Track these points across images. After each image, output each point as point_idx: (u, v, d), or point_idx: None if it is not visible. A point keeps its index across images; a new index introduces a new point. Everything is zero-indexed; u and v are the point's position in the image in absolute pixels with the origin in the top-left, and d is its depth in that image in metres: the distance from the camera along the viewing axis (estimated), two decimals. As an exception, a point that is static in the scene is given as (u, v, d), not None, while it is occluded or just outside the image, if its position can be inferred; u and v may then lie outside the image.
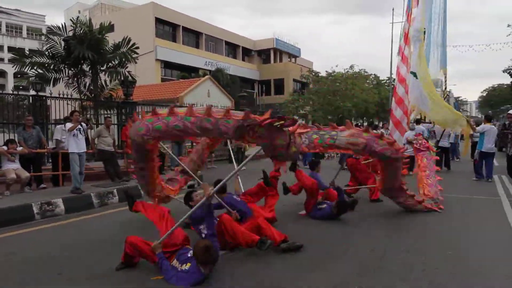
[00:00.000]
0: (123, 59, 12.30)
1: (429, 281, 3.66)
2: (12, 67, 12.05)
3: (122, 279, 3.81)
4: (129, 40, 12.32)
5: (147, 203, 4.79)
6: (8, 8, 59.72)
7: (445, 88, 19.32)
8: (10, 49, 44.70)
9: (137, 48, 12.22)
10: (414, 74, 11.39)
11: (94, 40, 11.49)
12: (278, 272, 3.93)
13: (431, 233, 5.35)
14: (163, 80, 31.61)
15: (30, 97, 10.27)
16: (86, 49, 11.07)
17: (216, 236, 4.11)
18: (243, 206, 5.35)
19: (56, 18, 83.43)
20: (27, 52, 12.21)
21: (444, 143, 12.87)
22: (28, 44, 46.66)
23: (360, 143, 5.37)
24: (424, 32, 11.60)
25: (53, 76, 12.09)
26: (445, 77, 17.83)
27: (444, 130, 13.00)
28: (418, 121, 12.40)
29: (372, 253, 4.46)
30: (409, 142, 9.80)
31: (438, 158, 9.55)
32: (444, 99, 14.39)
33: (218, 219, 4.61)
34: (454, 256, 4.35)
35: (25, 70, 12.08)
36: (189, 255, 3.81)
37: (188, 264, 3.70)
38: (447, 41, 13.51)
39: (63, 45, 11.80)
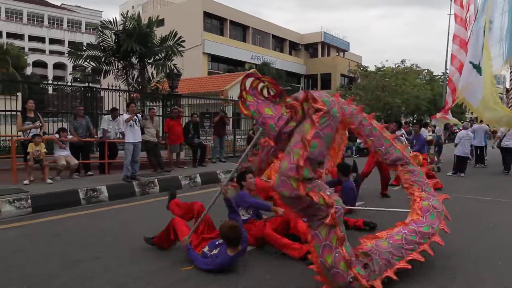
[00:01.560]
0: (170, 52, 12.59)
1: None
2: (68, 59, 12.74)
3: (154, 268, 3.88)
4: (176, 34, 12.58)
5: (178, 201, 4.81)
6: (69, 5, 63.59)
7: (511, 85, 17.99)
8: (70, 43, 47.57)
9: (183, 41, 12.45)
10: (474, 65, 10.71)
11: (142, 34, 11.86)
12: (303, 270, 3.80)
13: (478, 239, 4.95)
14: (209, 73, 32.13)
15: (82, 88, 10.81)
16: (134, 42, 11.45)
17: (242, 225, 4.05)
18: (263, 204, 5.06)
19: (112, 13, 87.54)
20: (85, 46, 12.86)
21: (508, 143, 11.73)
22: (86, 39, 49.35)
23: None
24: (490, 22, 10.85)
25: (104, 69, 12.64)
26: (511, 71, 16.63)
27: (510, 129, 12.07)
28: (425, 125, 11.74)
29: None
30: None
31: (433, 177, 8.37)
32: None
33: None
34: (505, 266, 3.99)
35: (80, 63, 12.72)
36: (217, 243, 3.91)
37: (217, 249, 3.81)
38: None
39: (113, 38, 12.29)
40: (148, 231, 5.10)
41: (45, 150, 7.76)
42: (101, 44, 12.22)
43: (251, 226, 4.55)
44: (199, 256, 3.90)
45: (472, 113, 11.74)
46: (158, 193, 8.15)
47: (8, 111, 10.04)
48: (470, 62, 10.87)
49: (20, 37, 55.10)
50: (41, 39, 58.36)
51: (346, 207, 6.00)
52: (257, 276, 3.65)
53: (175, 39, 12.47)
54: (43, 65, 54.80)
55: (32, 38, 57.40)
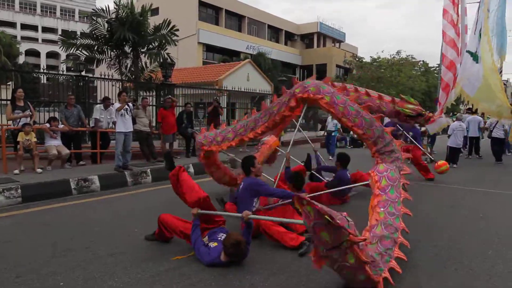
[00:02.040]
0: (163, 42, 12.44)
1: (461, 283, 3.39)
2: (60, 48, 12.55)
3: (144, 256, 3.87)
4: (169, 23, 12.42)
5: (187, 179, 4.23)
6: (62, -8, 62.60)
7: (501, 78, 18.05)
8: (64, 32, 47.00)
9: (177, 30, 12.30)
10: (471, 54, 10.68)
11: (135, 22, 11.69)
12: (293, 258, 3.81)
13: (468, 228, 4.98)
14: (204, 63, 31.91)
15: (74, 77, 10.67)
16: (127, 31, 11.29)
17: (249, 243, 3.80)
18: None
19: (106, 1, 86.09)
20: (78, 36, 12.65)
21: (499, 133, 12.17)
22: (79, 27, 48.75)
23: None
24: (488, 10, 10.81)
25: (96, 57, 12.47)
26: (501, 66, 16.69)
27: (498, 120, 12.24)
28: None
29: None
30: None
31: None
32: None
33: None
34: (494, 255, 4.01)
35: (72, 52, 12.54)
36: (219, 237, 3.82)
37: (215, 244, 3.73)
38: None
39: (106, 27, 12.11)
40: (140, 221, 5.14)
41: (35, 139, 7.68)
42: (93, 32, 12.04)
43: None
44: (199, 240, 3.81)
45: (468, 102, 11.70)
46: (151, 183, 8.13)
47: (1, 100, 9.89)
48: (468, 51, 10.83)
49: (12, 25, 54.35)
50: (34, 28, 57.61)
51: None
52: (248, 265, 3.65)
53: (169, 28, 12.31)
54: (36, 54, 54.14)
55: (24, 27, 56.64)
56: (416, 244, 4.28)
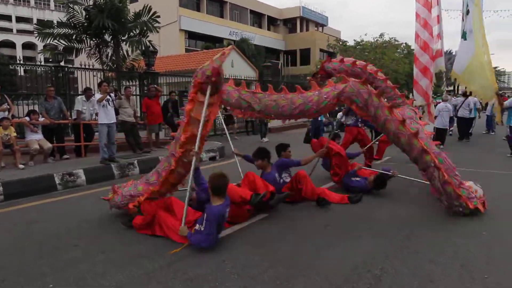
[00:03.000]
0: (144, 29, 12.05)
1: (460, 264, 3.36)
2: (36, 38, 12.02)
3: (137, 252, 3.73)
4: (150, 9, 12.02)
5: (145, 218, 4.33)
6: (35, -21, 60.22)
7: None
8: (39, 21, 45.41)
9: (158, 17, 11.91)
10: (463, 34, 10.59)
11: (114, 9, 11.25)
12: (293, 249, 3.74)
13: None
14: (187, 50, 31.33)
15: (53, 68, 10.26)
16: (106, 18, 10.86)
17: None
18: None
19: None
20: (55, 25, 12.09)
21: (464, 113, 12.50)
22: (56, 16, 47.12)
23: None
24: None
25: (74, 46, 12.01)
26: None
27: (466, 99, 12.45)
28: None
29: (399, 232, 4.17)
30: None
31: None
32: None
33: None
34: (489, 237, 4.01)
35: (49, 42, 12.04)
36: (204, 216, 3.83)
37: (204, 224, 3.75)
38: (483, 5, 12.35)
39: (84, 14, 11.65)
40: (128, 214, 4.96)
41: (15, 134, 7.38)
42: (70, 20, 11.56)
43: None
44: (196, 236, 3.77)
45: (455, 80, 11.59)
46: (138, 175, 7.91)
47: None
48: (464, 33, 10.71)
49: (-16, 16, 52.25)
50: (8, 17, 55.43)
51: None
52: (245, 258, 3.55)
53: (150, 15, 11.91)
54: (11, 45, 52.22)
55: (-2, 17, 54.48)
56: (413, 228, 4.25)
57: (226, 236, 4.13)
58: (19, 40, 53.31)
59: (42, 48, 13.08)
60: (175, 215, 4.13)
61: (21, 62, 10.92)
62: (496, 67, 57.35)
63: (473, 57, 9.88)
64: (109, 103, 7.73)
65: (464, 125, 12.73)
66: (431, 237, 4.03)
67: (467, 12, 10.37)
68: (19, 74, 15.95)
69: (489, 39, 10.88)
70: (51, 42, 11.78)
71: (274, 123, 16.35)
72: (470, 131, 13.54)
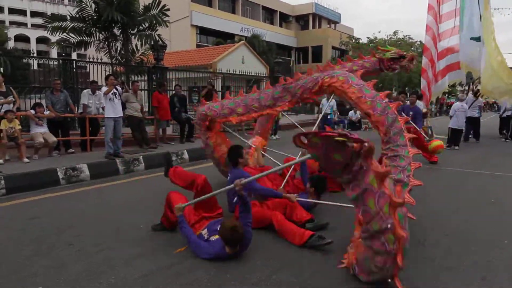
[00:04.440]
0: (154, 22, 11.88)
1: (481, 277, 3.10)
2: (46, 32, 11.96)
3: (134, 252, 3.55)
4: (160, 2, 11.84)
5: (181, 170, 4.28)
6: (51, -25, 60.71)
7: None
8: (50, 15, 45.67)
9: (168, 10, 11.73)
10: (473, 38, 10.35)
11: (124, 1, 11.10)
12: (297, 254, 3.51)
13: (479, 216, 4.69)
14: (198, 46, 31.18)
15: (60, 61, 10.17)
16: (115, 11, 10.72)
17: (250, 223, 3.51)
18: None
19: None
20: (68, 17, 11.96)
21: (474, 112, 12.20)
22: (69, 11, 47.40)
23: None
24: None
25: (83, 40, 11.91)
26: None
27: (476, 99, 12.18)
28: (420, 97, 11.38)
29: (412, 238, 3.91)
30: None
31: None
32: None
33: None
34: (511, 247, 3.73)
35: (59, 35, 11.95)
36: (218, 228, 3.48)
37: (216, 237, 3.43)
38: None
39: (93, 7, 11.53)
40: (131, 212, 4.82)
41: (19, 127, 7.28)
42: (80, 13, 11.45)
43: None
44: (194, 235, 3.53)
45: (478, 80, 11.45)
46: (143, 171, 7.78)
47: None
48: (472, 39, 10.46)
49: (-1, 9, 52.86)
50: (22, 12, 56.00)
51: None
52: (248, 262, 3.34)
53: (159, 8, 11.74)
54: (26, 39, 52.72)
55: (12, 11, 55.02)
56: (428, 233, 4.00)
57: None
58: (33, 34, 53.79)
59: (55, 42, 13.01)
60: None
61: (35, 56, 10.82)
62: (512, 67, 56.25)
63: (487, 60, 9.68)
64: (115, 97, 7.58)
65: (474, 125, 12.38)
66: (447, 244, 3.77)
67: (480, 17, 10.12)
68: (32, 68, 15.98)
69: (504, 38, 10.64)
70: (61, 35, 11.70)
71: (284, 120, 16.09)
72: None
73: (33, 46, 51.43)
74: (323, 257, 3.44)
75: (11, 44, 39.07)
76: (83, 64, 11.18)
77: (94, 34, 11.95)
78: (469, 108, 12.16)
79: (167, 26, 12.29)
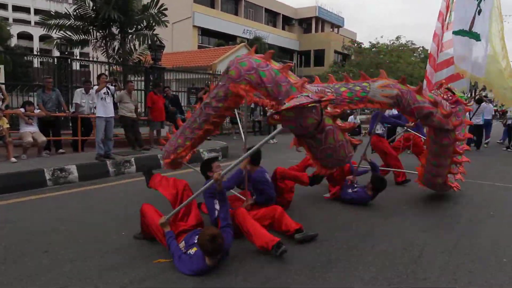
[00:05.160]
0: (151, 22, 11.71)
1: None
2: (43, 29, 11.80)
3: (109, 263, 3.34)
4: (158, 1, 11.68)
5: (165, 178, 4.17)
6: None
7: None
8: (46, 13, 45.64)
9: (166, 9, 11.56)
10: (466, 33, 9.96)
11: (121, 0, 10.94)
12: (289, 270, 3.29)
13: (481, 231, 4.48)
14: (200, 47, 31.06)
15: (55, 59, 10.00)
16: (112, 9, 10.55)
17: (231, 225, 3.47)
18: (271, 189, 4.50)
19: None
20: (67, 14, 11.76)
21: (478, 120, 12.01)
22: (66, 9, 47.34)
23: (395, 95, 4.25)
24: None
25: (80, 38, 11.74)
26: None
27: (479, 106, 11.96)
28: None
29: (406, 252, 3.71)
30: None
31: None
32: None
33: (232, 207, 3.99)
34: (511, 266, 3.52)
35: (55, 33, 11.80)
36: (195, 240, 3.27)
37: (194, 249, 3.22)
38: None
39: (91, 6, 11.38)
40: (116, 217, 4.63)
41: (7, 125, 7.10)
42: (77, 11, 11.29)
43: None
44: (179, 251, 3.28)
45: (478, 83, 11.11)
46: (135, 173, 7.59)
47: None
48: (458, 33, 10.06)
49: (3, 7, 52.90)
50: (26, 10, 56.02)
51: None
52: (237, 275, 3.14)
53: (158, 7, 11.57)
54: (29, 37, 52.72)
55: (16, 9, 55.09)
56: (424, 248, 3.79)
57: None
58: (36, 32, 53.71)
59: (50, 40, 12.84)
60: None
61: (38, 53, 10.71)
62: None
63: (488, 61, 9.31)
64: (107, 96, 7.39)
65: (477, 132, 12.14)
66: (443, 260, 3.55)
67: (479, 12, 9.70)
68: (34, 66, 15.84)
69: (509, 46, 10.25)
70: (58, 33, 11.55)
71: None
72: (487, 141, 12.99)
73: (36, 44, 51.47)
74: (314, 275, 3.23)
75: (14, 41, 39.05)
76: (82, 63, 10.99)
77: (92, 33, 11.79)
78: (473, 115, 11.95)
79: (166, 26, 12.13)
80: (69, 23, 11.39)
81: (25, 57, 15.97)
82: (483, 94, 14.10)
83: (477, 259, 3.59)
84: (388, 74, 16.29)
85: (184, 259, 3.19)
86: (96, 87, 7.47)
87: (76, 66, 12.03)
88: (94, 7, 11.16)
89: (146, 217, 3.69)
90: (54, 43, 11.09)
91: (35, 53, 10.94)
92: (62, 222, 4.44)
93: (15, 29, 42.07)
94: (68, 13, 11.45)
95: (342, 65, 33.02)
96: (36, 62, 12.12)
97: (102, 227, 4.25)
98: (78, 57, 10.91)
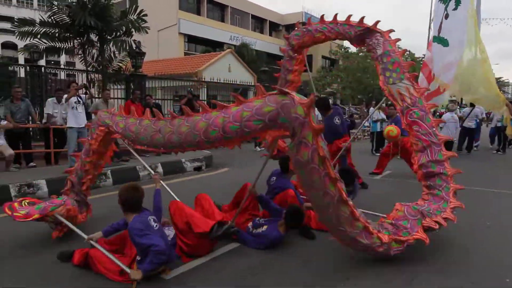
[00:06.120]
0: (130, 28, 11.29)
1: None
2: (16, 37, 11.30)
3: None
4: (137, 8, 11.27)
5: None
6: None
7: None
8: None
9: (145, 15, 11.15)
10: (440, 40, 9.77)
11: (99, 6, 10.51)
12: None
13: (478, 249, 4.14)
14: (186, 54, 30.65)
15: (28, 68, 9.52)
16: (89, 15, 10.11)
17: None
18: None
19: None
20: (37, 24, 11.31)
21: (471, 124, 11.75)
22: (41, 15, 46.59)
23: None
24: None
25: (55, 46, 11.25)
26: None
27: (472, 110, 11.77)
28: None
29: (399, 274, 3.34)
30: None
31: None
32: None
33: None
34: (512, 283, 3.17)
35: (30, 41, 11.30)
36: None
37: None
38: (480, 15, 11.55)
39: (67, 12, 10.92)
40: (79, 238, 4.15)
41: (-30, 138, 6.60)
42: (52, 17, 10.81)
43: None
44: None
45: (444, 90, 10.87)
46: (111, 186, 7.16)
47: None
48: (435, 38, 9.91)
49: (-15, 16, 51.93)
50: (11, 19, 55.07)
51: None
52: None
53: (137, 13, 11.17)
54: (13, 46, 51.76)
55: (0, 18, 54.18)
56: (417, 269, 3.42)
57: (187, 271, 3.33)
58: (21, 42, 52.88)
59: (23, 47, 12.33)
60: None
61: (24, 64, 10.26)
62: (500, 78, 56.42)
63: (461, 67, 9.01)
64: (78, 105, 6.95)
65: (468, 136, 11.95)
66: (439, 281, 3.20)
67: (446, 16, 9.52)
68: (19, 76, 15.25)
69: (493, 48, 10.03)
70: (31, 41, 11.06)
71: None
72: (476, 144, 12.81)
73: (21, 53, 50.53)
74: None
75: (-2, 51, 38.19)
76: (53, 71, 10.50)
77: (69, 40, 11.31)
78: (465, 118, 11.78)
79: (146, 32, 11.72)
80: (43, 30, 10.89)
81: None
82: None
83: (479, 280, 3.24)
84: (375, 77, 16.27)
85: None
86: (65, 96, 7.02)
87: (61, 75, 11.58)
88: (70, 13, 10.70)
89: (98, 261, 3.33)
90: (27, 51, 10.60)
91: (21, 63, 10.44)
92: (15, 247, 4.02)
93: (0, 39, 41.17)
94: (42, 20, 10.95)
95: (329, 70, 32.93)
96: (20, 72, 11.60)
97: (55, 250, 3.72)
98: (64, 66, 10.44)
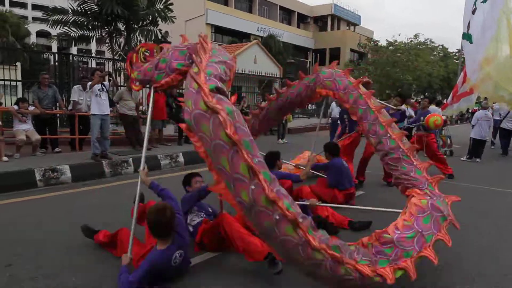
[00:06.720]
0: (156, 17, 11.33)
1: None
2: (47, 25, 11.57)
3: (77, 282, 2.93)
4: (163, -4, 11.31)
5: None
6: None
7: None
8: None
9: (171, 4, 11.15)
10: (469, 37, 9.31)
11: (126, -5, 10.62)
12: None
13: (507, 248, 3.90)
14: (213, 45, 30.69)
15: (56, 55, 9.72)
16: (116, 4, 10.21)
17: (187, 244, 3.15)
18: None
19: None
20: (70, 10, 11.50)
21: (510, 124, 10.93)
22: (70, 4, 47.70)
23: None
24: None
25: (85, 35, 11.46)
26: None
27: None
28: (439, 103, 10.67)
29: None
30: None
31: None
32: None
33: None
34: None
35: (60, 29, 11.56)
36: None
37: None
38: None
39: (96, 1, 11.09)
40: (99, 224, 4.13)
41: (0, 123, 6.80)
42: (81, 7, 11.00)
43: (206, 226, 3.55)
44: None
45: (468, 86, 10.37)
46: (133, 174, 7.21)
47: (7, 80, 9.17)
48: (463, 35, 9.47)
49: (23, 5, 53.68)
50: (45, 8, 56.77)
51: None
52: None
53: (163, 2, 11.18)
54: (47, 35, 53.45)
55: (35, 7, 55.83)
56: (439, 273, 3.25)
57: (199, 263, 3.29)
58: (54, 30, 54.48)
59: (55, 35, 12.61)
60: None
61: (57, 52, 10.54)
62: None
63: (486, 64, 8.51)
64: (102, 93, 7.02)
65: (507, 138, 11.25)
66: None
67: (474, 11, 9.02)
68: (51, 63, 15.69)
69: None
70: (61, 29, 11.31)
71: (293, 124, 15.40)
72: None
73: (54, 42, 52.07)
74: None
75: (33, 39, 39.39)
76: (83, 59, 10.70)
77: (96, 29, 11.49)
78: (503, 118, 11.11)
79: (172, 22, 11.73)
80: (72, 19, 11.10)
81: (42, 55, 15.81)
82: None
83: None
84: (405, 72, 15.73)
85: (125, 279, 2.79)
86: (90, 83, 7.10)
87: (92, 63, 11.80)
88: (98, 2, 10.85)
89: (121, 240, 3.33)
90: (54, 39, 10.85)
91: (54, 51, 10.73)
92: (36, 230, 4.06)
93: (35, 27, 42.41)
94: (72, 8, 11.16)
95: (358, 64, 32.19)
96: (52, 60, 11.91)
97: (78, 238, 3.78)
98: (94, 55, 10.62)
